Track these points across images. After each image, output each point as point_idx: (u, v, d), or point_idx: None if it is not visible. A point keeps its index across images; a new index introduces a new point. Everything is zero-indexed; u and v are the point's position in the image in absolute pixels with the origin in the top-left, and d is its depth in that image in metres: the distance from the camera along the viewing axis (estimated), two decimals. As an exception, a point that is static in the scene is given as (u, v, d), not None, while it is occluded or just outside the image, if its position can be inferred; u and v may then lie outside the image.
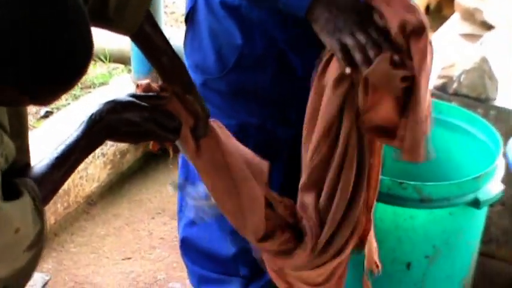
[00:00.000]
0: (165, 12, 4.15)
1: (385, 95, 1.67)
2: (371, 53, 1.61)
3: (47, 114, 3.40)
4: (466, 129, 2.42)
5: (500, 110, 2.65)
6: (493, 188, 2.23)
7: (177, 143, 1.59)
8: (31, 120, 3.28)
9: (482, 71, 2.64)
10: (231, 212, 1.70)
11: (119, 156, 3.30)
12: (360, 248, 1.91)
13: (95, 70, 3.74)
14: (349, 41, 1.63)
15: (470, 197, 2.19)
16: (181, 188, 2.10)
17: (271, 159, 1.81)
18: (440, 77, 2.71)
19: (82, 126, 1.43)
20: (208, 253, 2.23)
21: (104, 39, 3.34)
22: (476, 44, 3.05)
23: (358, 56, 1.62)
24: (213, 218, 1.84)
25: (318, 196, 1.76)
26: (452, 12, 3.42)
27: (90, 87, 3.64)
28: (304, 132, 1.76)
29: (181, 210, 2.27)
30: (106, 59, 3.75)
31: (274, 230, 1.75)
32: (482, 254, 2.49)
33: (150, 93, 1.53)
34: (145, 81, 1.55)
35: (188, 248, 2.29)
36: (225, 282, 2.23)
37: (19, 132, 1.46)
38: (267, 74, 1.92)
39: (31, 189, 1.30)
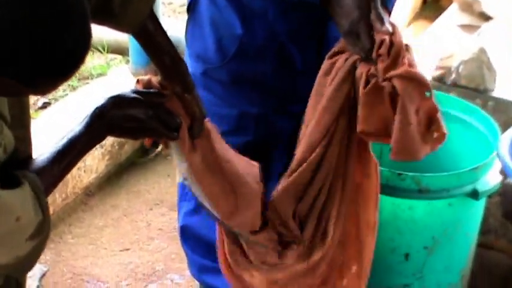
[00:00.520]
0: (162, 3, 4.14)
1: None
2: None
3: (45, 105, 3.40)
4: (464, 120, 2.42)
5: (499, 101, 2.65)
6: (492, 179, 2.24)
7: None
8: (29, 111, 3.27)
9: (481, 62, 2.64)
10: (225, 211, 1.71)
11: (117, 147, 3.29)
12: None
13: (92, 61, 3.73)
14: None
15: (468, 188, 2.20)
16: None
17: (271, 149, 1.82)
18: (438, 68, 2.71)
19: (84, 121, 1.43)
20: (208, 242, 2.22)
21: (102, 29, 3.32)
22: (474, 35, 3.04)
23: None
24: None
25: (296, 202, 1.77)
26: (450, 2, 3.42)
27: (88, 78, 3.64)
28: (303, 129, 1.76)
29: (181, 199, 2.27)
30: (104, 50, 3.74)
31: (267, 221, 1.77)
32: (480, 245, 2.50)
33: (152, 90, 1.53)
34: (146, 77, 1.55)
35: (188, 236, 2.29)
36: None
37: (21, 122, 1.46)
38: (266, 64, 1.92)
39: (31, 181, 1.30)
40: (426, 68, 2.68)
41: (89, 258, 2.89)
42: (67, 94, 3.45)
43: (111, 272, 2.83)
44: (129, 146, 3.38)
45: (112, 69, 3.69)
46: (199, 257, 2.29)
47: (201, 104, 1.59)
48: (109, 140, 3.23)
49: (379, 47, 1.61)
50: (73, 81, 3.56)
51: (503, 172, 2.27)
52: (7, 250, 1.28)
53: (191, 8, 2.01)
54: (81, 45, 1.13)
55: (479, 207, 2.34)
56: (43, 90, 1.17)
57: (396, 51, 1.61)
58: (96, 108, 1.44)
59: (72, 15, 1.10)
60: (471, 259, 2.43)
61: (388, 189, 2.13)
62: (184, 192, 2.23)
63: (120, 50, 3.74)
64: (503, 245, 2.75)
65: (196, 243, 2.28)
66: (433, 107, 1.63)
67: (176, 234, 2.50)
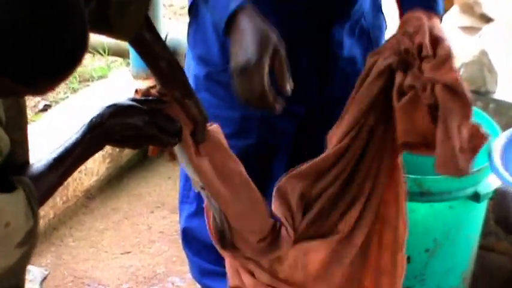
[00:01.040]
0: (163, 5, 4.14)
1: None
2: None
3: (45, 108, 3.40)
4: (465, 122, 2.42)
5: (500, 103, 2.65)
6: (493, 182, 2.23)
7: (176, 148, 1.58)
8: (29, 114, 3.27)
9: (482, 64, 2.64)
10: (233, 215, 1.70)
11: (117, 150, 3.29)
12: None
13: (93, 63, 3.73)
14: None
15: (470, 190, 2.20)
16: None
17: (274, 151, 1.81)
18: (439, 70, 2.70)
19: (82, 130, 1.43)
20: (210, 244, 2.22)
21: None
22: (475, 37, 3.04)
23: None
24: None
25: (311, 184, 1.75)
26: (451, 4, 3.41)
27: (88, 80, 3.64)
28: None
29: (182, 202, 2.27)
30: (104, 52, 3.74)
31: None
32: (481, 247, 2.50)
33: (150, 98, 1.53)
34: (144, 86, 1.55)
35: (189, 238, 2.29)
36: (227, 276, 2.23)
37: (18, 124, 1.46)
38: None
39: (26, 187, 1.30)
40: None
41: (90, 262, 2.89)
42: (68, 96, 3.44)
43: (112, 275, 2.83)
44: (130, 148, 3.38)
45: (113, 71, 3.69)
46: (200, 260, 2.29)
47: (202, 108, 1.58)
48: (110, 143, 3.23)
49: (420, 48, 1.62)
50: (74, 83, 3.56)
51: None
52: None
53: (193, 11, 2.00)
54: (80, 45, 1.13)
55: (480, 209, 2.33)
56: (42, 90, 1.17)
57: (446, 53, 1.62)
58: (94, 117, 1.43)
59: (72, 15, 1.10)
60: (472, 261, 2.43)
61: (390, 192, 2.13)
62: (185, 195, 2.22)
63: (120, 53, 3.74)
64: (504, 247, 2.74)
65: (198, 246, 2.28)
66: (477, 133, 1.65)
67: (177, 237, 2.50)
